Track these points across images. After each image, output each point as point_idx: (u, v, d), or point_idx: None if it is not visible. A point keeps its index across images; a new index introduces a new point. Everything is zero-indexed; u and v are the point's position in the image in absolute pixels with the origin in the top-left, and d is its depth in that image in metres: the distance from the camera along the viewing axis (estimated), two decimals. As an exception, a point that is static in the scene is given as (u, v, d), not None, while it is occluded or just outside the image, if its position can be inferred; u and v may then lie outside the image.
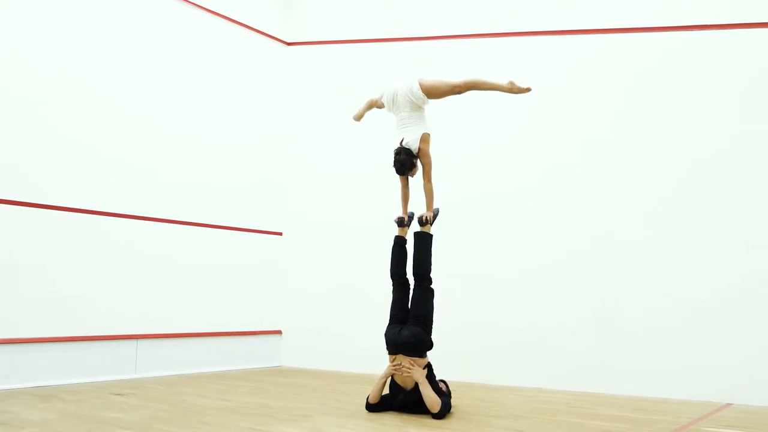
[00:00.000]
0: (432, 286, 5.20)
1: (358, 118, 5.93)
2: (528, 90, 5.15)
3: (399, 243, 5.46)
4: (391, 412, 4.99)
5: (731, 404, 5.56)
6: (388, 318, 5.24)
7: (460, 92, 5.29)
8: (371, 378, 7.35)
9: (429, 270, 5.20)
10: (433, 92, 5.25)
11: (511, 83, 5.17)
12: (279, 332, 8.84)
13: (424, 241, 5.28)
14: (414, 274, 5.23)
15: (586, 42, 6.94)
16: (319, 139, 9.02)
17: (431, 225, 5.33)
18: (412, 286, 5.26)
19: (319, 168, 8.94)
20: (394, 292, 5.34)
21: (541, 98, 6.97)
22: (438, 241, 5.37)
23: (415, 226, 5.44)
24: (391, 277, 5.39)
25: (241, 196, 8.56)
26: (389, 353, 5.06)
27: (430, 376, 4.95)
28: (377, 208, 8.15)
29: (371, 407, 5.03)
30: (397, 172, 5.26)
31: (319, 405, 5.37)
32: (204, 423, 4.52)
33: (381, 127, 8.29)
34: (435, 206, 5.37)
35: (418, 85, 5.22)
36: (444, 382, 5.25)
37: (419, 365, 4.92)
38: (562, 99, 6.98)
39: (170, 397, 5.76)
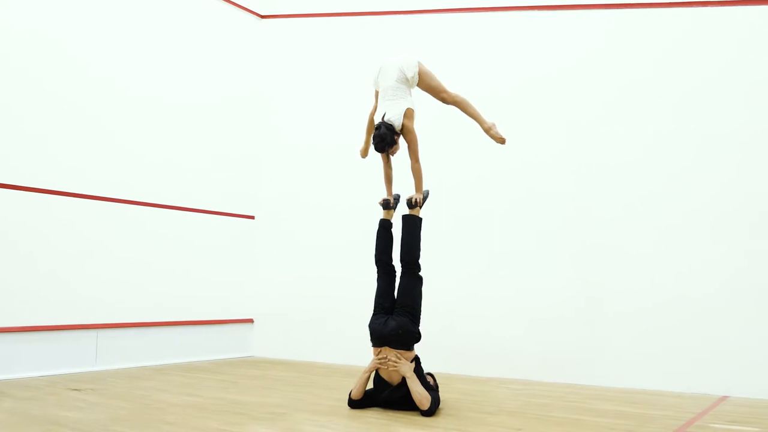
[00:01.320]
0: (420, 273, 4.82)
1: (365, 153, 5.51)
2: (502, 141, 4.90)
3: (384, 227, 5.06)
4: (375, 408, 4.61)
5: (727, 397, 5.31)
6: (373, 308, 4.85)
7: (444, 100, 4.97)
8: (348, 369, 7.01)
9: (417, 256, 4.82)
10: (425, 80, 4.91)
11: (493, 125, 4.91)
12: (250, 321, 8.40)
13: (412, 225, 4.89)
14: (401, 261, 4.84)
15: (577, 33, 6.59)
16: (294, 116, 8.56)
17: (420, 208, 4.94)
18: (398, 274, 4.88)
19: (295, 147, 8.48)
20: (379, 279, 4.95)
21: (536, 83, 6.68)
22: (425, 225, 4.99)
23: (402, 209, 5.04)
24: (376, 263, 5.00)
25: (210, 177, 8.06)
26: (374, 345, 4.67)
27: (418, 370, 4.58)
28: (358, 189, 7.76)
29: (354, 403, 4.64)
30: (376, 148, 4.79)
31: (295, 401, 4.97)
32: (168, 423, 4.08)
33: (360, 104, 7.88)
34: (424, 188, 4.98)
35: (417, 63, 4.89)
36: (431, 375, 4.89)
37: (406, 359, 4.55)
38: (557, 85, 6.58)
39: (132, 392, 5.30)
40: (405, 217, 4.94)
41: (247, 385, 5.77)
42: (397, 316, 4.65)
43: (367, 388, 4.66)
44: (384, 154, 4.91)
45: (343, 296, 7.74)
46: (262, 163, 8.66)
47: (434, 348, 6.22)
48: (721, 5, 5.84)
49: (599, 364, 6.03)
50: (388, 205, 5.10)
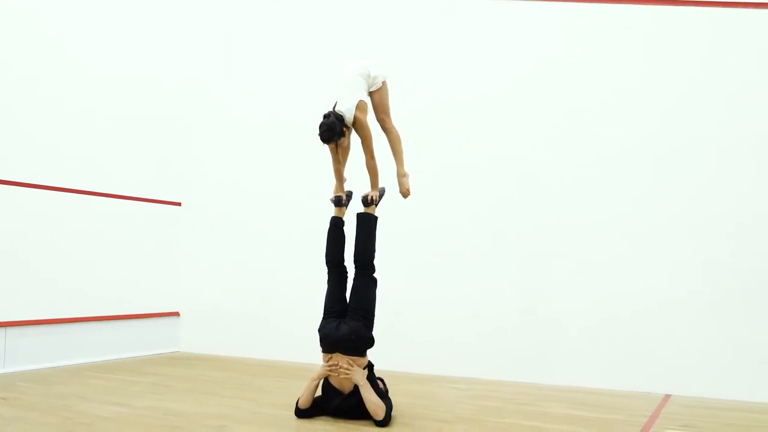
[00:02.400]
0: (375, 275, 4.54)
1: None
2: (406, 194, 4.67)
3: (336, 225, 4.75)
4: (324, 418, 4.32)
5: (670, 396, 5.35)
6: (323, 311, 4.54)
7: (382, 121, 4.67)
8: (282, 367, 6.68)
9: (372, 257, 4.55)
10: (381, 93, 4.64)
11: (407, 175, 4.66)
12: (176, 314, 7.89)
13: (367, 224, 4.61)
14: (355, 261, 4.56)
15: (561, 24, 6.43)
16: (224, 91, 8.06)
17: (376, 206, 4.65)
18: (351, 275, 4.59)
19: (228, 128, 7.98)
20: (329, 281, 4.65)
21: (516, 72, 6.47)
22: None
23: (355, 207, 4.74)
24: (327, 264, 4.69)
25: (132, 159, 7.47)
26: (324, 351, 4.37)
27: (371, 377, 4.33)
28: (297, 175, 7.40)
29: (301, 413, 4.34)
30: (322, 138, 4.38)
31: (235, 409, 4.61)
32: (98, 444, 3.66)
33: (301, 76, 7.50)
34: (381, 185, 4.70)
35: (386, 73, 4.65)
36: (381, 380, 4.63)
37: (359, 365, 4.28)
38: (538, 78, 6.37)
39: (50, 401, 4.80)
40: (360, 216, 4.64)
41: (180, 390, 5.35)
42: (349, 320, 4.37)
43: (316, 395, 4.37)
44: (333, 146, 4.55)
45: (275, 289, 7.39)
46: (190, 145, 8.13)
47: (377, 345, 6.00)
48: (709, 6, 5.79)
49: (542, 363, 5.96)
50: (340, 202, 4.78)
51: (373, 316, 4.46)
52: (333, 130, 4.37)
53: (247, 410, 4.60)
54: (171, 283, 7.86)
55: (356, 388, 4.23)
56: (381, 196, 4.69)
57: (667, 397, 5.31)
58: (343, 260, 4.68)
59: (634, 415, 4.61)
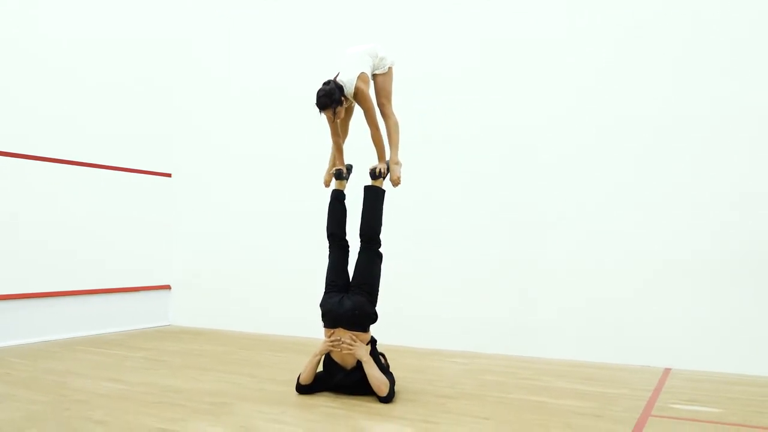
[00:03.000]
0: (381, 249, 4.44)
1: (328, 183, 4.83)
2: (397, 183, 4.50)
3: (337, 198, 4.63)
4: (327, 394, 4.24)
5: (670, 369, 5.34)
6: (324, 285, 4.44)
7: (382, 105, 4.50)
8: (278, 341, 6.60)
9: (378, 231, 4.44)
10: (386, 78, 4.49)
11: (400, 164, 4.53)
12: (167, 288, 7.77)
13: (375, 197, 4.49)
14: (360, 235, 4.44)
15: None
16: (215, 59, 7.85)
17: (384, 179, 4.53)
18: (354, 249, 4.49)
19: (219, 95, 7.77)
20: (331, 255, 4.54)
21: (507, 43, 6.31)
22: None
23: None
24: (328, 237, 4.59)
25: (122, 130, 7.26)
26: (326, 326, 4.28)
27: (374, 353, 4.25)
28: (290, 144, 7.23)
29: (303, 389, 4.27)
30: (318, 103, 4.22)
31: (234, 386, 4.52)
32: (96, 422, 3.55)
33: (294, 44, 7.29)
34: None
35: (392, 61, 4.52)
36: (383, 355, 4.55)
37: (362, 341, 4.20)
38: (530, 49, 6.25)
39: (43, 378, 4.68)
40: (367, 189, 4.52)
41: (174, 365, 5.25)
42: (353, 295, 4.28)
43: (317, 371, 4.30)
44: (330, 116, 4.36)
45: (268, 262, 7.28)
46: (180, 114, 7.92)
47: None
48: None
49: (540, 337, 5.92)
50: (341, 175, 4.66)
51: (378, 291, 4.38)
52: (331, 96, 4.22)
53: (247, 386, 4.51)
54: (161, 256, 7.72)
55: (359, 363, 4.15)
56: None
57: (667, 370, 5.30)
58: (344, 234, 4.57)
59: (636, 389, 4.58)
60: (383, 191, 4.52)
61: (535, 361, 5.66)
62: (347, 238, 4.58)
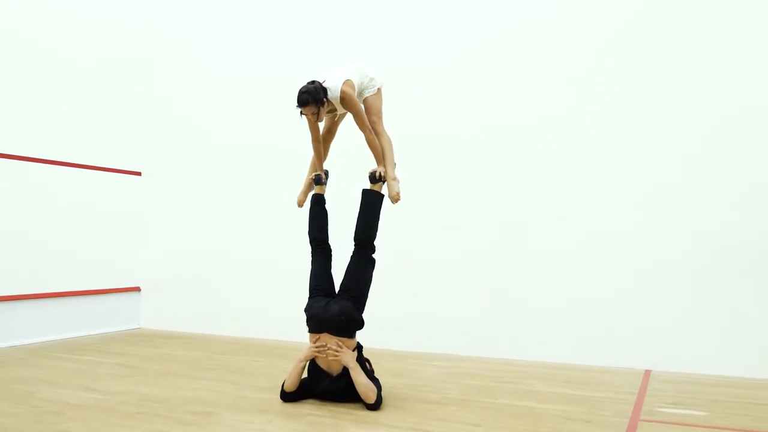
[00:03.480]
0: (374, 255, 4.35)
1: (302, 203, 4.76)
2: (396, 199, 4.33)
3: (318, 203, 4.55)
4: (314, 402, 4.15)
5: (650, 371, 5.38)
6: (309, 290, 4.34)
7: (374, 123, 4.37)
8: (254, 345, 6.46)
9: (374, 236, 4.35)
10: (369, 101, 4.37)
11: (397, 181, 4.37)
12: (137, 290, 7.55)
13: (372, 201, 4.40)
14: (355, 239, 4.35)
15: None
16: (187, 55, 7.64)
17: (384, 183, 4.42)
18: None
19: (188, 93, 7.58)
20: (314, 260, 4.45)
21: (500, 33, 6.26)
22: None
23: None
24: (311, 242, 4.50)
25: (90, 126, 7.02)
26: (311, 331, 4.18)
27: (360, 359, 4.16)
28: (263, 144, 7.09)
29: (288, 396, 4.16)
30: (299, 100, 4.10)
31: (215, 393, 4.39)
32: (75, 436, 3.39)
33: (269, 40, 7.13)
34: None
35: (381, 82, 4.45)
36: (368, 360, 4.46)
37: (348, 347, 4.11)
38: (525, 41, 6.20)
39: (11, 387, 4.49)
40: (366, 192, 4.43)
41: (151, 372, 5.08)
42: (340, 299, 4.19)
43: (302, 377, 4.20)
44: (310, 117, 4.23)
45: (243, 262, 7.13)
46: (150, 111, 7.70)
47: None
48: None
49: (519, 339, 5.90)
50: (320, 180, 4.57)
51: (366, 297, 4.29)
52: (313, 94, 4.12)
53: (229, 394, 4.38)
54: (131, 257, 7.50)
55: (345, 370, 4.07)
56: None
57: (648, 372, 5.33)
58: (327, 237, 4.49)
59: (621, 392, 4.59)
60: (382, 196, 4.44)
61: (517, 363, 5.64)
62: (330, 242, 4.50)
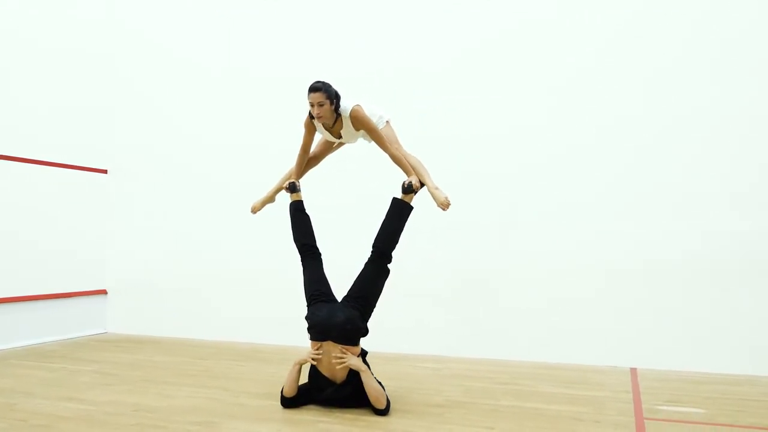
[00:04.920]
0: (390, 266, 4.21)
1: (257, 209, 4.79)
2: (445, 205, 4.23)
3: (298, 209, 4.42)
4: (319, 409, 4.00)
5: (636, 369, 5.46)
6: (308, 298, 4.17)
7: (396, 153, 4.26)
8: (232, 349, 6.26)
9: (393, 247, 4.22)
10: (383, 132, 4.26)
11: (439, 189, 4.27)
12: (103, 292, 7.20)
13: (401, 211, 4.26)
14: (374, 246, 4.21)
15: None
16: (155, 47, 7.35)
17: (416, 193, 4.27)
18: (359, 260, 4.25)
19: (156, 87, 7.29)
20: (307, 267, 4.29)
21: (500, 31, 6.21)
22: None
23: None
24: (300, 249, 4.36)
25: (53, 121, 6.65)
26: (313, 339, 4.02)
27: (365, 364, 4.05)
28: (234, 140, 6.88)
29: (288, 402, 4.01)
30: (311, 86, 4.04)
31: (210, 401, 4.20)
32: (75, 451, 3.17)
33: (242, 32, 6.92)
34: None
35: (388, 116, 4.38)
36: (367, 365, 4.33)
37: (352, 353, 3.98)
38: (523, 40, 6.17)
39: (-12, 398, 4.18)
40: (396, 201, 4.29)
41: (133, 380, 4.83)
42: (345, 306, 4.05)
43: (301, 383, 4.06)
44: (309, 123, 4.20)
45: (214, 263, 6.90)
46: (116, 107, 7.36)
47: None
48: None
49: (503, 339, 5.89)
50: (296, 188, 4.44)
51: (373, 308, 4.15)
52: (325, 85, 4.08)
53: (224, 401, 4.20)
54: (97, 259, 7.15)
55: (349, 377, 3.94)
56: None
57: (634, 370, 5.40)
58: (314, 242, 4.36)
59: (617, 391, 4.62)
60: (411, 208, 4.29)
61: (506, 364, 5.63)
62: (317, 245, 4.37)
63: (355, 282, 4.17)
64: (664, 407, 4.21)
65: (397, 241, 4.24)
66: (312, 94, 4.05)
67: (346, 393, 3.96)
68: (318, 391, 4.02)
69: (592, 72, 5.82)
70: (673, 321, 5.49)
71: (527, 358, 5.77)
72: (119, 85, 7.38)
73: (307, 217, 4.43)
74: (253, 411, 3.98)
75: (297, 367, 4.03)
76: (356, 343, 4.03)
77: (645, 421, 3.86)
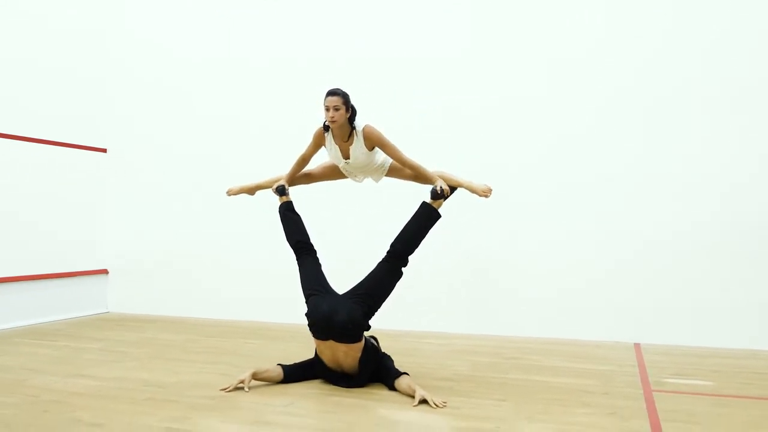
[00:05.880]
0: (404, 269, 4.13)
1: (234, 193, 4.77)
2: (486, 192, 4.20)
3: (288, 209, 4.38)
4: (356, 393, 3.85)
5: (639, 344, 5.50)
6: (306, 295, 4.05)
7: (403, 164, 4.19)
8: (235, 326, 6.29)
9: (412, 251, 4.12)
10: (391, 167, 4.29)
11: (470, 181, 4.25)
12: (104, 272, 7.17)
13: (428, 216, 4.14)
14: (392, 246, 4.10)
15: None
16: (154, 23, 7.25)
17: (446, 199, 4.16)
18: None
19: (156, 65, 7.21)
20: (303, 264, 4.20)
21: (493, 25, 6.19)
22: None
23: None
24: (294, 247, 4.28)
25: (51, 100, 6.57)
26: (316, 337, 3.92)
27: (376, 353, 4.03)
28: (233, 119, 6.85)
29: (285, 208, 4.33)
30: (329, 90, 3.98)
31: (220, 376, 4.20)
32: (90, 425, 3.17)
33: (244, 6, 6.86)
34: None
35: (389, 162, 4.28)
36: (375, 338, 4.26)
37: (356, 350, 3.87)
38: (517, 32, 6.17)
39: (0, 376, 4.16)
40: (425, 205, 4.17)
41: (141, 357, 4.82)
42: (348, 301, 3.89)
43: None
44: (321, 133, 4.12)
45: (213, 243, 6.88)
46: (116, 84, 7.29)
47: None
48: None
49: (504, 315, 5.92)
50: (284, 191, 4.38)
51: (380, 306, 4.03)
52: (344, 92, 4.00)
53: (235, 377, 4.18)
54: (97, 238, 7.11)
55: (362, 366, 3.90)
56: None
57: (638, 345, 5.44)
58: (308, 239, 4.27)
59: (622, 365, 4.66)
60: (438, 216, 4.17)
61: (511, 339, 5.66)
62: (311, 241, 4.30)
63: (365, 279, 4.05)
64: (671, 380, 4.25)
65: (417, 246, 4.13)
66: (329, 98, 3.96)
67: (364, 382, 3.94)
68: (334, 380, 3.99)
69: (597, 58, 5.81)
70: (676, 297, 5.53)
71: (531, 334, 5.80)
72: (119, 64, 7.29)
73: (298, 217, 4.35)
74: (266, 385, 3.98)
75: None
76: (359, 339, 3.88)
77: (653, 393, 3.90)
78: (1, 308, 5.99)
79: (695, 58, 5.55)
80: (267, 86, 6.74)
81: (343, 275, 4.34)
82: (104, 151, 7.20)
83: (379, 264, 4.09)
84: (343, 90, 4.02)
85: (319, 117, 4.15)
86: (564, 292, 5.81)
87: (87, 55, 6.98)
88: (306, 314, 3.97)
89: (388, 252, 4.10)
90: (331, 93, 3.98)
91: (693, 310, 5.47)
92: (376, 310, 4.03)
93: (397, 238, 4.12)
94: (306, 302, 4.03)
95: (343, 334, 3.79)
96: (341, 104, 3.95)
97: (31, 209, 6.33)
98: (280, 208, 4.39)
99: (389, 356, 4.14)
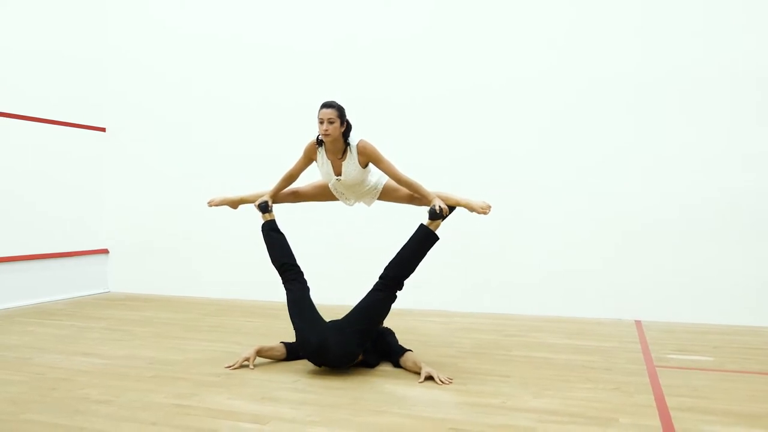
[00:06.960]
0: (399, 292, 3.92)
1: (215, 204, 4.58)
2: (484, 209, 3.97)
3: (273, 228, 4.20)
4: (362, 369, 3.88)
5: (640, 321, 5.54)
6: (294, 328, 3.89)
7: (398, 181, 3.93)
8: (236, 305, 6.31)
9: (408, 276, 3.92)
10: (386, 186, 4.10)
11: (473, 202, 4.02)
12: (105, 252, 7.16)
13: (425, 238, 3.92)
14: (387, 270, 3.89)
15: None
16: (154, 1, 7.18)
17: (444, 219, 3.93)
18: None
19: (157, 43, 7.15)
20: (293, 288, 4.01)
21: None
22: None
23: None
24: (280, 269, 4.10)
25: (50, 78, 6.52)
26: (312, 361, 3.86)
27: (391, 339, 4.06)
28: (234, 99, 6.81)
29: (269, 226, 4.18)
30: (324, 102, 3.79)
31: (225, 354, 4.22)
32: (98, 402, 3.18)
33: None
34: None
35: (384, 180, 4.09)
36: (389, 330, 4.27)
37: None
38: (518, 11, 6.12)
39: (2, 354, 4.17)
40: (422, 229, 3.93)
41: (144, 335, 4.85)
42: (341, 335, 3.72)
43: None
44: (313, 147, 3.90)
45: (213, 222, 6.83)
46: (116, 62, 7.22)
47: (337, 281, 5.76)
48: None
49: (506, 293, 5.95)
50: (268, 207, 4.21)
51: (374, 332, 3.93)
52: (340, 106, 3.80)
53: (239, 355, 4.20)
54: (97, 218, 7.10)
55: (364, 357, 3.90)
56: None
57: (639, 323, 5.48)
58: (295, 260, 4.10)
59: (624, 342, 4.70)
60: (436, 238, 3.94)
61: (513, 317, 5.69)
62: (297, 263, 4.14)
63: (358, 311, 3.82)
64: (673, 355, 4.29)
65: (413, 271, 3.92)
66: (323, 110, 3.75)
67: (374, 361, 3.94)
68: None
69: (596, 35, 5.78)
70: (676, 275, 5.56)
71: (531, 312, 5.84)
72: (118, 43, 7.22)
73: (282, 236, 4.18)
74: (270, 362, 4.01)
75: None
76: (355, 361, 3.84)
77: (656, 368, 3.93)
78: (3, 288, 5.99)
79: (696, 35, 5.52)
80: (265, 67, 6.69)
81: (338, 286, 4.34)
82: (103, 130, 7.15)
83: (372, 293, 3.86)
84: (339, 103, 3.82)
85: (314, 104, 4.01)
86: (564, 270, 5.83)
87: (86, 34, 6.91)
88: (296, 346, 3.90)
89: (380, 278, 3.88)
90: (326, 105, 3.77)
91: (693, 288, 5.50)
92: (371, 336, 3.90)
93: (390, 263, 3.90)
94: (295, 333, 3.88)
95: (339, 365, 3.78)
96: (336, 117, 3.74)
97: (31, 189, 6.31)
98: (263, 227, 4.21)
99: (392, 331, 4.17)
